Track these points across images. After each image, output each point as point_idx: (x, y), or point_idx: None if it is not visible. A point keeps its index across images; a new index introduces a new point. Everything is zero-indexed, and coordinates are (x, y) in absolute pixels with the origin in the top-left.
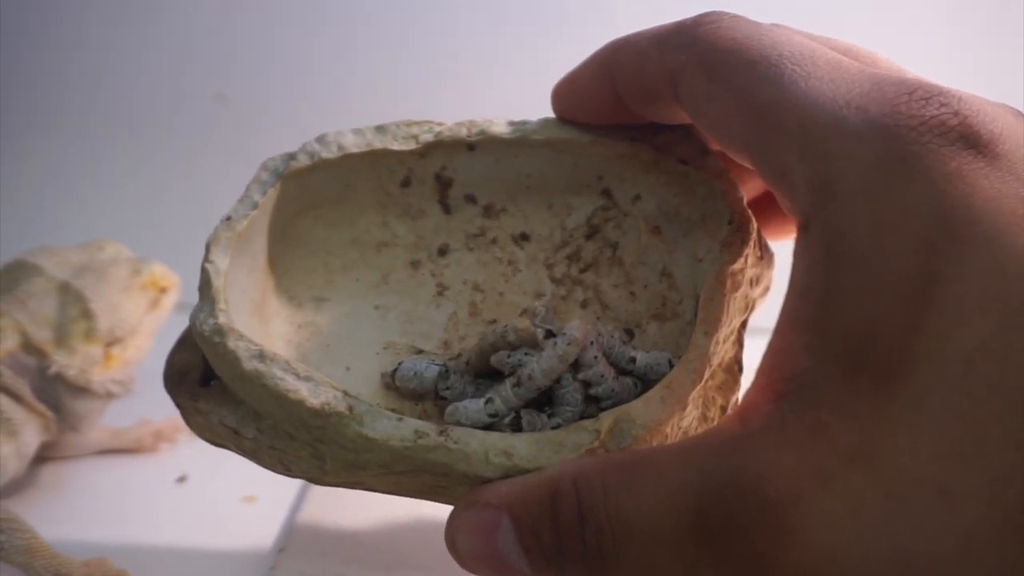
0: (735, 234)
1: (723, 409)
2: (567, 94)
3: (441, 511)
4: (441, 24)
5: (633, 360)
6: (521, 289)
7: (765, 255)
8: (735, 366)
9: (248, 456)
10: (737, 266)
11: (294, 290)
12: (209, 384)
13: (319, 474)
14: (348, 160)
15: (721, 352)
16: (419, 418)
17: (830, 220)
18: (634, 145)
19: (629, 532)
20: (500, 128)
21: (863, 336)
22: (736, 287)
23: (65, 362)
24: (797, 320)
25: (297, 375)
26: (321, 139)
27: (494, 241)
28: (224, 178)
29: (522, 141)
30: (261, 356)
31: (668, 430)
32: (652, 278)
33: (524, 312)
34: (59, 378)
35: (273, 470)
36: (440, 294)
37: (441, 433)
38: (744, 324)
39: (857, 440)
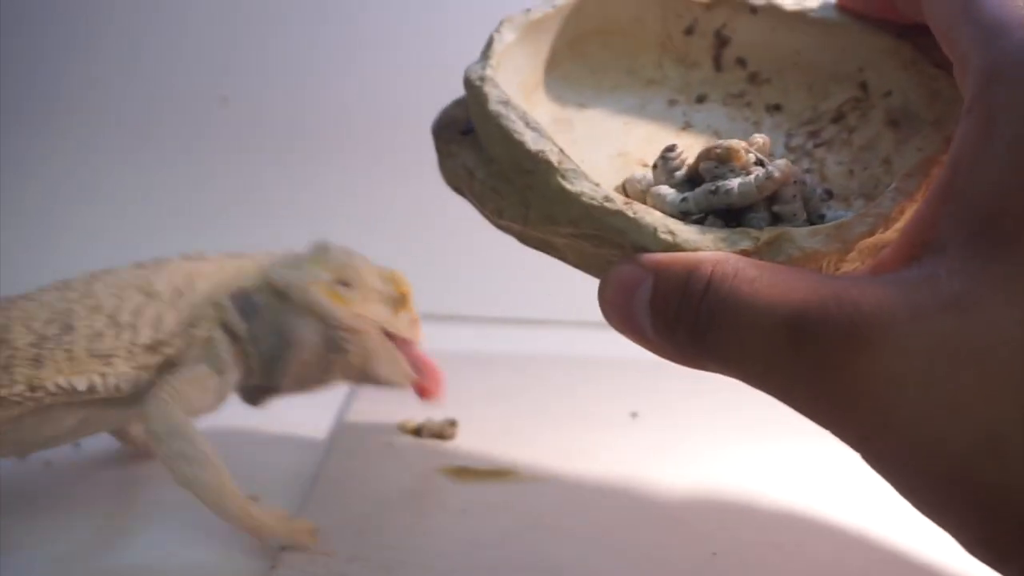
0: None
1: None
2: None
3: (444, 507)
4: (442, 23)
5: (822, 217)
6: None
7: None
8: None
9: (475, 199)
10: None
11: (562, 91)
12: (467, 135)
13: (523, 223)
14: None
15: (901, 223)
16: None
17: (989, 102)
18: (898, 41)
19: (736, 313)
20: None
21: (994, 206)
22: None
23: (290, 275)
24: (942, 191)
25: (527, 123)
26: None
27: (748, 104)
28: (226, 178)
29: (800, 16)
30: (506, 103)
31: (823, 266)
32: (873, 162)
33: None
34: (281, 293)
35: (489, 215)
36: (683, 129)
37: (626, 203)
38: None
39: (958, 291)
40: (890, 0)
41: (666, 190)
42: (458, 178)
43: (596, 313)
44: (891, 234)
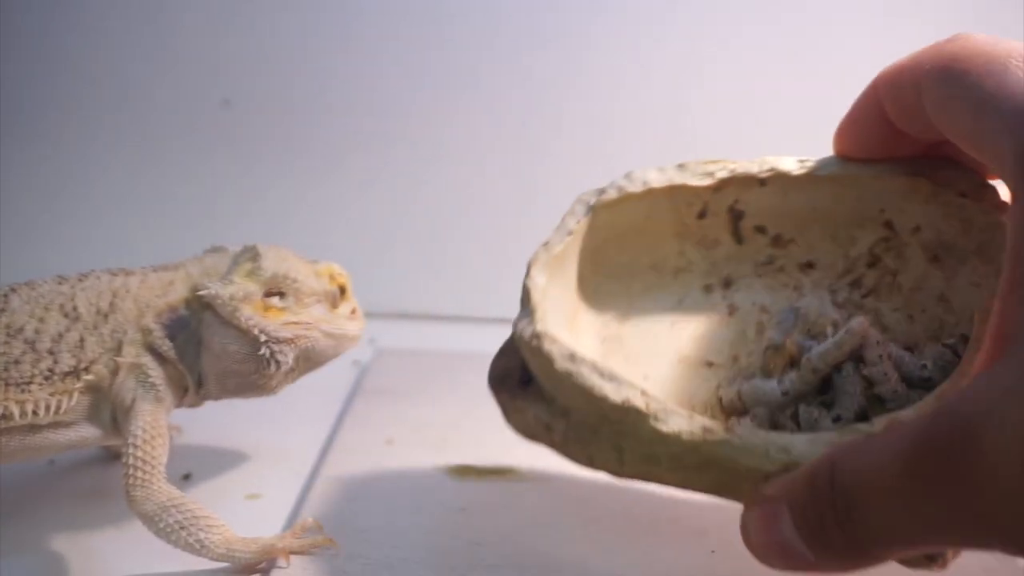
0: None
1: None
2: (847, 133)
3: (444, 506)
4: (439, 23)
5: (925, 366)
6: (806, 312)
7: None
8: None
9: (558, 449)
10: None
11: (600, 308)
12: (526, 386)
13: (618, 466)
14: (651, 194)
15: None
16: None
17: None
18: (913, 179)
19: (865, 487)
20: (788, 165)
21: None
22: None
23: (219, 290)
24: (1010, 284)
25: (602, 375)
26: (628, 176)
27: (781, 269)
28: (227, 179)
29: (808, 177)
30: (572, 358)
31: None
32: (930, 303)
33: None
34: (206, 306)
35: (578, 462)
36: (730, 315)
37: (727, 430)
38: None
39: None
40: (892, 135)
41: (760, 382)
42: (533, 432)
43: None
44: None
